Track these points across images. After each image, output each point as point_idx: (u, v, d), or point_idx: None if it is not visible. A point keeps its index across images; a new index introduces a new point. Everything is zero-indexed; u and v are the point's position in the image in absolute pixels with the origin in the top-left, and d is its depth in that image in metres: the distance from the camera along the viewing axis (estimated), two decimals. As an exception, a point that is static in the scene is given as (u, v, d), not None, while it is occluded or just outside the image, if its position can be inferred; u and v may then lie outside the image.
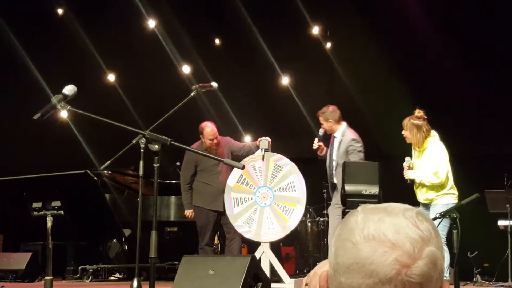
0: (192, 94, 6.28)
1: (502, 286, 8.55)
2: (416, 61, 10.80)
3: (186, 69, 11.81)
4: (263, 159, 7.46)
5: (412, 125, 6.72)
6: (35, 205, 4.37)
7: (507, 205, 8.76)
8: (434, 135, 6.80)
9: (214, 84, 6.62)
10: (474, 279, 9.12)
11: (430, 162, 6.63)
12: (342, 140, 7.40)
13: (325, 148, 7.60)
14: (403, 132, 6.79)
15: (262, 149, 7.49)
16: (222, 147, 8.02)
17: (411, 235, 1.03)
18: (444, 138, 6.90)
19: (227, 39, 12.53)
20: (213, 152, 7.77)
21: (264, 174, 7.45)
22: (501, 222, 9.15)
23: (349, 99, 10.95)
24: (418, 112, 6.76)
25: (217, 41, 12.62)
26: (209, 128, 7.90)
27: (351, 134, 7.40)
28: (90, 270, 9.28)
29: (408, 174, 6.72)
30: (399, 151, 7.11)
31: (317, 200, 10.62)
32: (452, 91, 10.66)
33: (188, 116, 8.55)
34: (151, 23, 11.58)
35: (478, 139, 10.39)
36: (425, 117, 6.76)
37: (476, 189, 5.97)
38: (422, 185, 6.71)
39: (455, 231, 4.75)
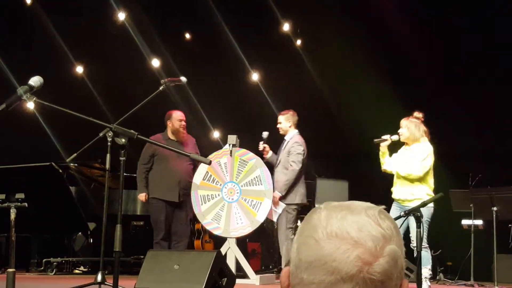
0: (161, 88, 6.28)
1: (464, 284, 8.66)
2: (387, 57, 10.83)
3: (155, 62, 11.74)
4: (231, 154, 7.46)
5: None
6: (-2, 196, 4.31)
7: (471, 205, 8.86)
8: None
9: (183, 79, 6.62)
10: (437, 277, 9.24)
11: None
12: (289, 142, 7.73)
13: (270, 152, 7.86)
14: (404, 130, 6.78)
15: (229, 144, 7.50)
16: (188, 143, 7.99)
17: (373, 233, 1.04)
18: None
19: (197, 34, 12.48)
20: (180, 135, 7.82)
21: (230, 170, 7.46)
22: (465, 222, 9.26)
23: (319, 96, 10.99)
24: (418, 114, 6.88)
25: (187, 36, 12.57)
26: (178, 111, 8.05)
27: (297, 138, 7.73)
28: (55, 263, 9.19)
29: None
30: (369, 147, 7.15)
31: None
32: (423, 89, 10.74)
33: (157, 110, 8.51)
34: (121, 16, 11.48)
35: (444, 138, 10.47)
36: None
37: (441, 188, 6.03)
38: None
39: (418, 230, 4.81)
